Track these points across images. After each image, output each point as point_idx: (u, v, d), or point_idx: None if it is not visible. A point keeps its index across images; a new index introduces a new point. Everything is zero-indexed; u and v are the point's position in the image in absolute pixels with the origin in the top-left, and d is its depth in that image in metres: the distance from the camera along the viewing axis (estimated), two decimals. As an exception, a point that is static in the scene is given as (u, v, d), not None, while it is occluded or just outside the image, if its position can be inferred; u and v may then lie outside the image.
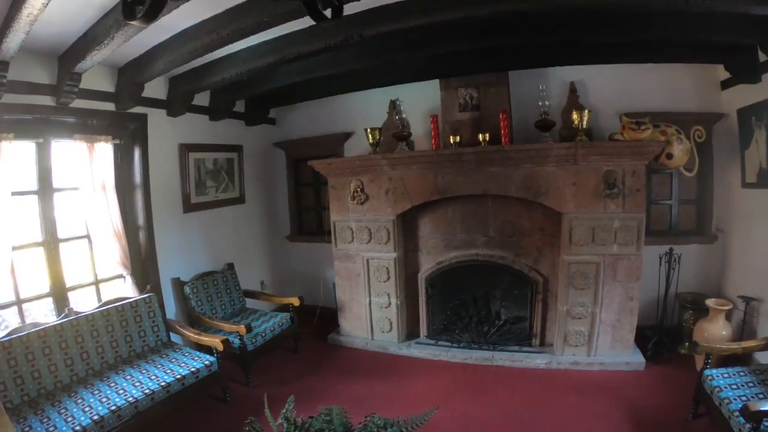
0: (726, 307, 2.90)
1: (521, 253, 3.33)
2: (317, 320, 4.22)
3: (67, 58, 2.55)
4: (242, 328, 2.97)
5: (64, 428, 2.05)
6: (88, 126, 2.87)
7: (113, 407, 2.23)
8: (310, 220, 4.53)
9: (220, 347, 2.79)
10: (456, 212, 3.43)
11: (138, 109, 3.08)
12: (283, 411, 1.38)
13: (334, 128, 4.10)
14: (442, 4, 2.17)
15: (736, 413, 1.92)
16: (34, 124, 2.63)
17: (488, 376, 3.11)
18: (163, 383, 2.49)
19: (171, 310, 3.33)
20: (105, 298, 2.90)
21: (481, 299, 3.43)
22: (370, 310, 3.62)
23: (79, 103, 2.74)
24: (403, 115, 3.73)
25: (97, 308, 2.76)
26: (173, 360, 2.78)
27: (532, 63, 3.32)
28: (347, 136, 4.05)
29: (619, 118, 3.03)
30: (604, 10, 2.35)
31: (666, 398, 2.67)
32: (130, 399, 2.32)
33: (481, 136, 3.16)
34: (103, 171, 2.90)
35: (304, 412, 2.72)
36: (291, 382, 3.15)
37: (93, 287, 3.03)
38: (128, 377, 2.56)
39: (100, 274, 3.05)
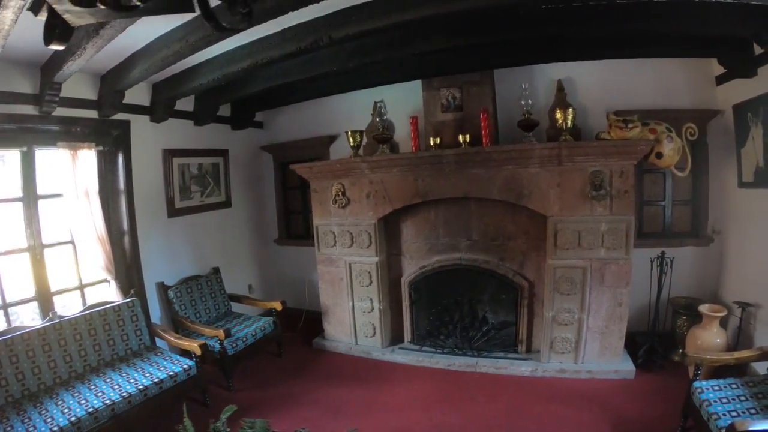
0: (720, 314, 2.75)
1: (506, 258, 3.24)
2: (303, 324, 4.22)
3: (48, 68, 2.61)
4: (221, 333, 2.98)
5: (44, 428, 2.10)
6: (72, 133, 2.93)
7: (90, 409, 2.28)
8: (298, 224, 4.54)
9: (198, 351, 2.81)
10: (439, 216, 3.37)
11: (121, 116, 3.13)
12: (216, 423, 1.35)
13: (320, 131, 4.09)
14: (407, 3, 2.12)
15: (724, 431, 1.81)
16: (18, 133, 2.70)
17: (471, 384, 3.04)
18: (140, 386, 2.52)
19: (156, 314, 3.37)
20: (91, 302, 2.96)
21: (466, 304, 3.36)
22: (353, 315, 3.59)
23: (62, 111, 2.80)
24: (386, 117, 3.69)
25: (80, 312, 2.82)
26: (153, 363, 2.80)
27: (517, 60, 3.22)
28: (332, 138, 4.04)
29: (606, 116, 2.92)
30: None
31: (655, 409, 2.56)
32: (107, 401, 2.36)
33: (461, 138, 3.09)
34: (86, 177, 2.96)
35: (281, 418, 2.75)
36: (272, 386, 3.15)
37: (78, 291, 3.09)
38: (108, 380, 2.60)
39: (86, 278, 3.10)
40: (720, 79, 3.03)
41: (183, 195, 3.61)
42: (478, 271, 3.28)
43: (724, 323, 2.85)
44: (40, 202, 2.83)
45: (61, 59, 2.43)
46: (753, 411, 1.93)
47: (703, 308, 2.81)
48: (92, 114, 2.99)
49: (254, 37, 2.58)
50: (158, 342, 3.16)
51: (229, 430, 1.34)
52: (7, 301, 2.73)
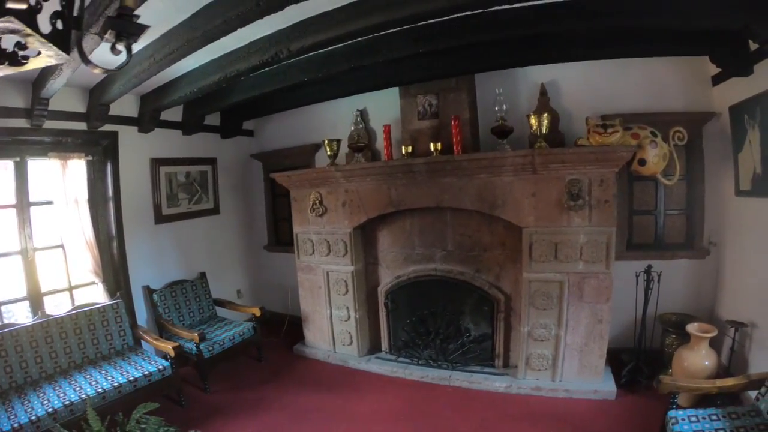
0: (709, 334, 2.50)
1: (482, 269, 3.14)
2: (287, 329, 4.25)
3: (37, 84, 2.80)
4: (196, 336, 3.06)
5: (23, 417, 2.28)
6: (63, 144, 3.11)
7: (67, 402, 2.44)
8: (286, 231, 4.58)
9: (172, 353, 2.91)
10: (414, 225, 3.31)
11: (110, 127, 3.30)
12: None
13: (306, 139, 4.12)
14: (358, 12, 2.10)
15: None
16: (12, 145, 2.90)
17: (443, 397, 2.96)
18: (115, 383, 2.66)
19: (142, 316, 3.51)
20: (79, 303, 3.13)
21: (443, 315, 3.27)
22: (331, 323, 3.59)
23: (52, 124, 2.98)
24: (365, 125, 3.68)
25: (66, 312, 2.99)
26: (132, 363, 2.93)
27: (496, 64, 3.11)
28: (317, 147, 4.04)
29: (586, 121, 2.77)
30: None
31: (631, 434, 2.39)
32: (83, 395, 2.51)
33: (432, 146, 3.02)
34: (76, 186, 3.13)
35: (246, 421, 2.79)
36: (246, 390, 3.21)
37: (68, 293, 3.27)
38: (88, 376, 2.76)
39: (75, 280, 3.28)
40: (716, 79, 2.81)
41: (170, 202, 3.75)
42: (454, 283, 3.19)
43: (717, 344, 2.62)
44: (32, 209, 3.02)
45: (45, 76, 2.60)
46: (732, 450, 1.76)
47: (691, 328, 2.57)
48: (81, 126, 3.17)
49: (223, 51, 2.66)
50: (144, 344, 3.29)
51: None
52: (0, 300, 2.93)
